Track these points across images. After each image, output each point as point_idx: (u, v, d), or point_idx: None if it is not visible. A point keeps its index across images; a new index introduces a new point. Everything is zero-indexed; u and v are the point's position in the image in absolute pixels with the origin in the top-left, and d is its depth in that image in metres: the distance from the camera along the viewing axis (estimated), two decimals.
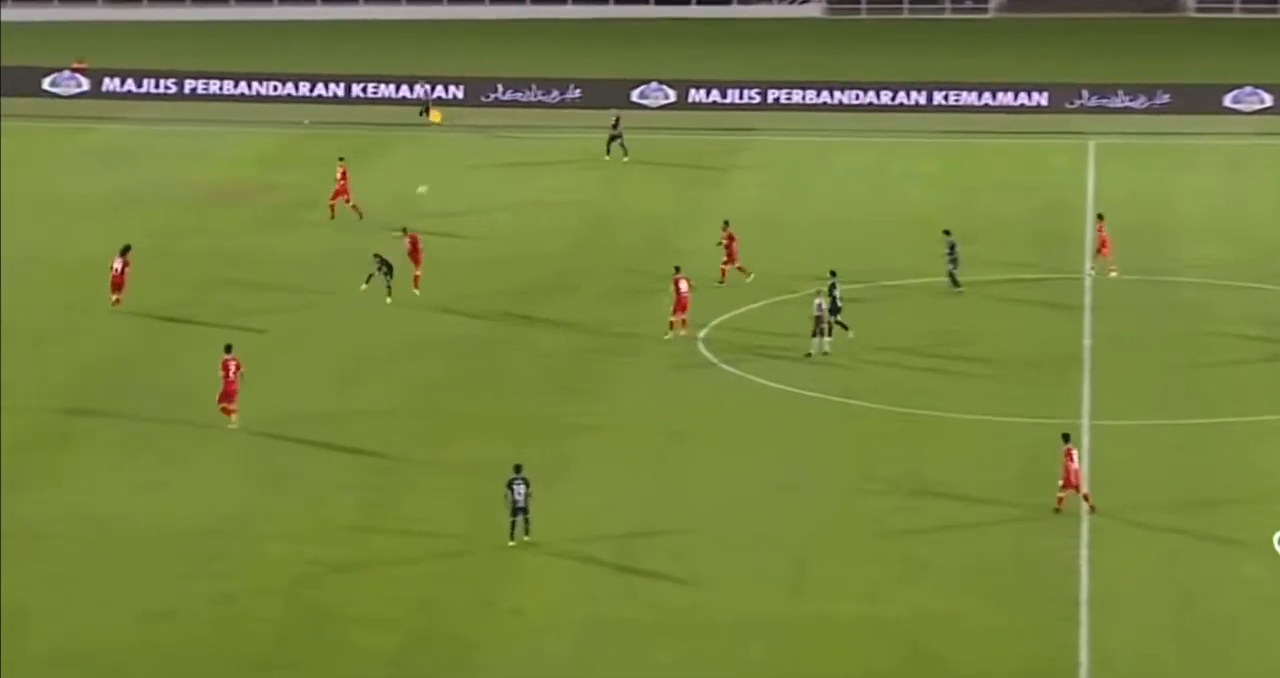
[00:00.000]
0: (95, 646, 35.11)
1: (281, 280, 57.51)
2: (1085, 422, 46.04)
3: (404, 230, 55.53)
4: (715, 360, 50.36)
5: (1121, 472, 43.04)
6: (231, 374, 45.18)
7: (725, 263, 55.69)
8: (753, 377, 49.16)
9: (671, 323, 50.82)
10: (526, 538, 38.57)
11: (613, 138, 70.80)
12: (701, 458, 43.88)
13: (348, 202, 62.32)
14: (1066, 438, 40.74)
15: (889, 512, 41.10)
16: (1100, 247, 56.73)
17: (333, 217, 62.22)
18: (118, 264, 53.43)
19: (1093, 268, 56.99)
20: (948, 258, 55.02)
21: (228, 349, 45.74)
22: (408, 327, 52.92)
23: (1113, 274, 56.26)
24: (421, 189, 49.96)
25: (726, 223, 57.07)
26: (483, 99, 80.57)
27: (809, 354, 49.29)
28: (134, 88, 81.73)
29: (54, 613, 36.33)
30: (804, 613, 36.56)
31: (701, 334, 52.02)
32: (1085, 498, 40.50)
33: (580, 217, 64.74)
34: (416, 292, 54.23)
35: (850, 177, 70.35)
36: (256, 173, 69.50)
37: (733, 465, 43.37)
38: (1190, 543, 39.68)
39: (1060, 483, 40.49)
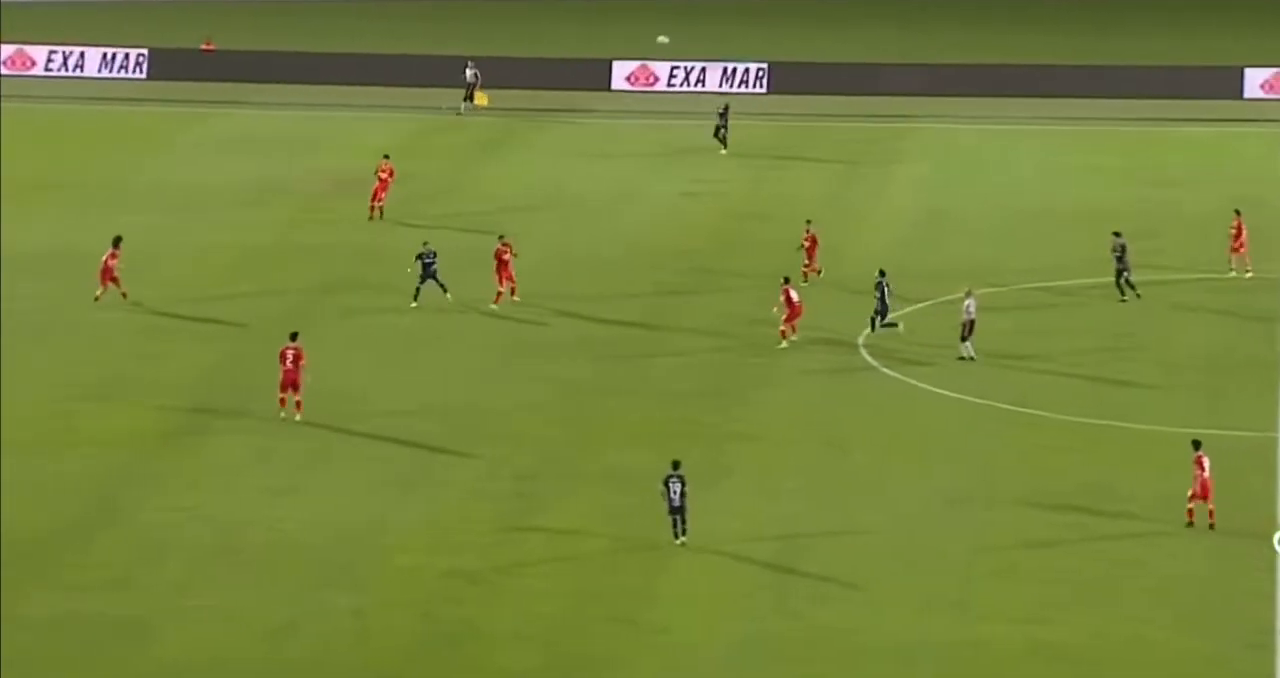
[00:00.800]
0: (218, 660, 35.51)
1: (411, 277, 57.98)
2: None
3: (500, 238, 54.44)
4: (875, 364, 50.10)
5: None
6: (289, 363, 45.49)
7: (806, 266, 55.11)
8: (915, 382, 48.85)
9: (783, 331, 50.57)
10: (683, 540, 38.84)
11: (719, 128, 70.16)
12: (861, 468, 43.66)
13: (380, 200, 61.76)
14: (1197, 445, 40.27)
15: (1063, 528, 40.64)
16: (1236, 244, 55.53)
17: (376, 216, 61.64)
18: (108, 256, 53.42)
19: (1233, 268, 55.62)
20: (1116, 262, 53.72)
21: (293, 337, 46.09)
22: (545, 326, 53.14)
23: (1248, 275, 54.91)
24: (662, 39, 49.94)
25: (809, 222, 56.34)
26: (628, 84, 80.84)
27: (960, 357, 48.75)
28: (257, 71, 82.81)
29: (176, 625, 36.76)
30: (971, 637, 36.21)
31: (861, 338, 51.81)
32: (1210, 512, 39.95)
33: (727, 209, 64.69)
34: (515, 299, 53.88)
35: (1021, 168, 69.74)
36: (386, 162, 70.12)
37: (895, 476, 43.12)
38: None
39: (1190, 493, 39.92)
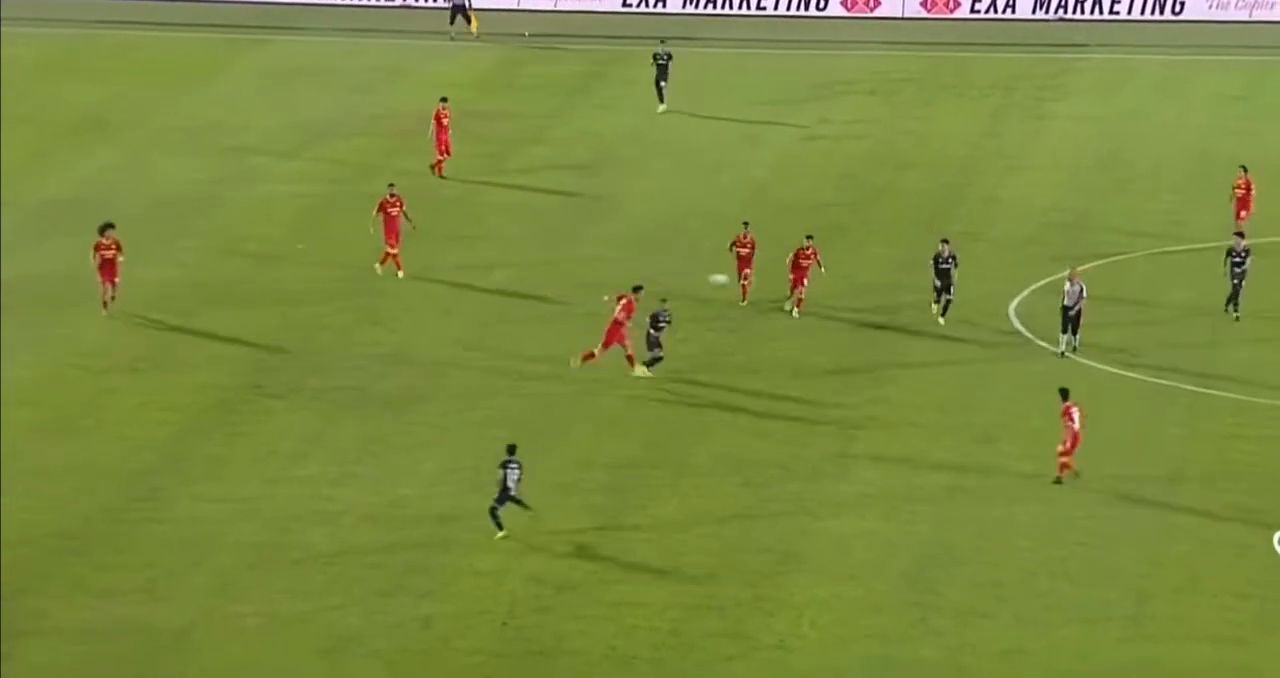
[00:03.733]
0: (268, 673, 35.70)
1: (495, 229, 58.08)
2: None
3: (390, 186, 53.56)
4: (1031, 336, 49.74)
5: None
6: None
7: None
8: (1079, 358, 48.45)
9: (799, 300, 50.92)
10: (502, 534, 39.62)
11: (659, 80, 66.88)
12: (1014, 461, 43.33)
13: (445, 154, 60.80)
14: (1065, 395, 41.41)
15: (1255, 532, 40.21)
16: (1240, 206, 53.91)
17: (442, 175, 61.26)
18: (105, 250, 50.05)
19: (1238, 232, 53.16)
20: (1232, 267, 50.18)
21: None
22: (650, 288, 52.92)
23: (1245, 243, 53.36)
24: (719, 278, 49.84)
25: (746, 224, 53.23)
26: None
27: (1060, 353, 48.19)
28: None
29: (220, 636, 37.00)
30: (1149, 658, 35.99)
31: (1013, 305, 51.41)
32: (1063, 465, 41.12)
33: (863, 155, 64.36)
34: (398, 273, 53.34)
35: (1210, 105, 68.97)
36: (469, 98, 70.12)
37: (1054, 471, 42.74)
38: None
39: (1059, 448, 41.16)
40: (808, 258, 50.76)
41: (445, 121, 61.49)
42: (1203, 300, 51.91)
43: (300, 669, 36.06)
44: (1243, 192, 54.29)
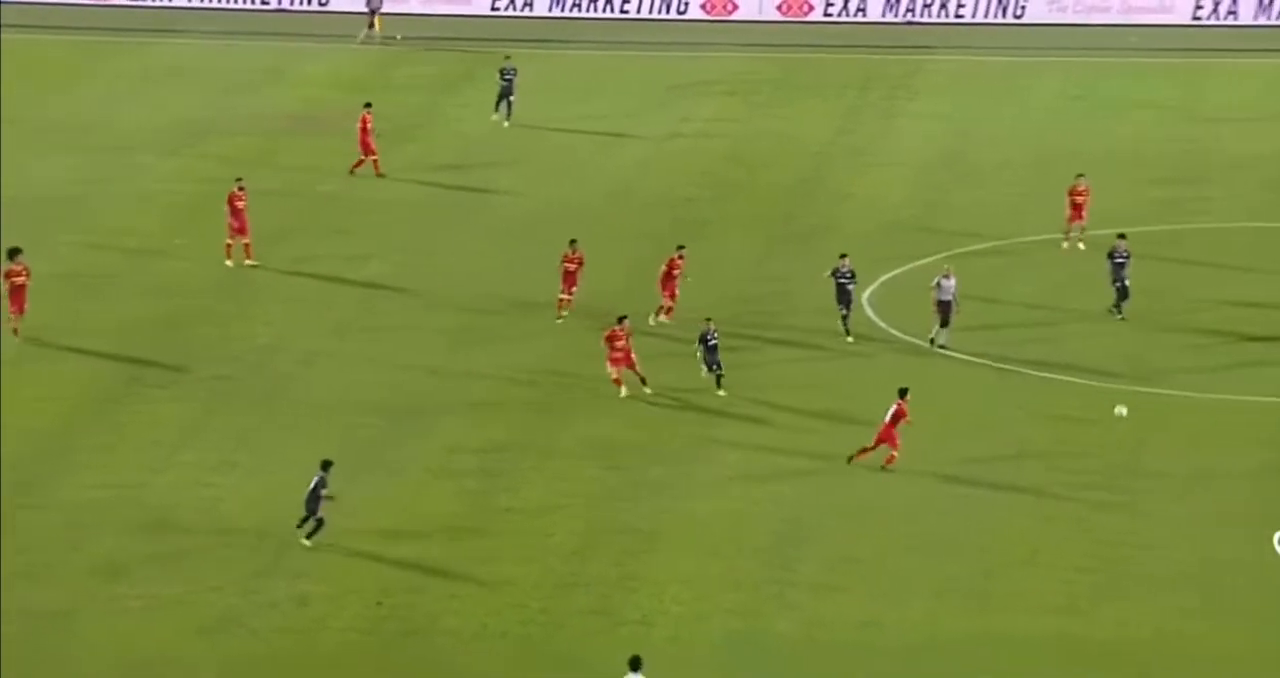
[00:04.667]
0: (148, 656, 35.53)
1: (367, 225, 57.95)
2: None
3: (237, 180, 53.33)
4: (882, 323, 50.11)
5: None
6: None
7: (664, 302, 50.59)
8: (925, 343, 48.85)
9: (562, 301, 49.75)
10: (306, 543, 38.73)
11: (504, 94, 65.61)
12: (864, 443, 43.63)
13: (373, 153, 60.36)
14: (903, 393, 41.85)
15: (1095, 509, 40.71)
16: (1076, 211, 53.92)
17: (373, 171, 60.92)
18: (15, 277, 48.32)
19: (1067, 239, 54.11)
20: (1114, 268, 49.87)
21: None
22: (520, 286, 53.05)
23: (1081, 247, 53.85)
24: (1120, 410, 45.43)
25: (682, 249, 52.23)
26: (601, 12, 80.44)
27: (939, 345, 48.34)
28: None
29: (101, 618, 36.80)
30: (992, 630, 36.28)
31: (865, 296, 51.80)
32: (861, 450, 41.80)
33: (722, 153, 64.60)
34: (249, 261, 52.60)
35: (1051, 104, 69.62)
36: (342, 99, 69.91)
37: (905, 452, 43.12)
38: None
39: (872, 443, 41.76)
40: (677, 268, 49.64)
41: (369, 125, 61.01)
42: (1042, 291, 52.51)
43: (180, 649, 35.90)
44: (1081, 198, 54.37)
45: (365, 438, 43.97)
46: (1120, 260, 50.40)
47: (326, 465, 39.14)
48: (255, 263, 53.50)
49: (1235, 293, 52.27)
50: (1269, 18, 78.70)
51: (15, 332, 48.40)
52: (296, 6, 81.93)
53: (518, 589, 37.69)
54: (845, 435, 43.74)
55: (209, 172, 60.97)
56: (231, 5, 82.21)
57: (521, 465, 42.78)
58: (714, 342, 45.70)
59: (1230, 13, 78.87)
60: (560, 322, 49.15)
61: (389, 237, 56.99)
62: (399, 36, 78.04)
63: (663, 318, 49.44)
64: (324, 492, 38.91)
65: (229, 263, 53.72)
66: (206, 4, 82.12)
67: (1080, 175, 55.01)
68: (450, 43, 77.42)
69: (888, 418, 41.87)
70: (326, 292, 52.92)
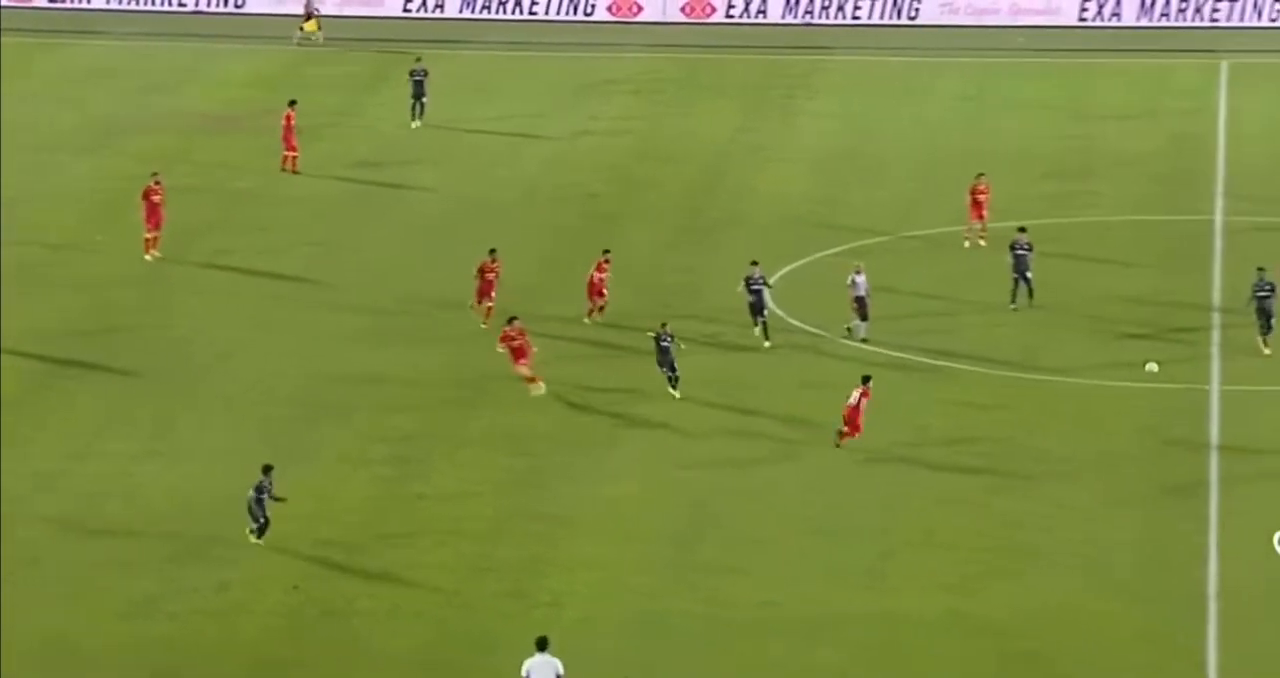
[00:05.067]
0: (70, 639, 35.35)
1: (282, 220, 57.74)
2: (1215, 386, 45.89)
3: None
4: (782, 314, 50.30)
5: (1255, 442, 42.84)
6: None
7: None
8: (829, 335, 49.05)
9: (477, 307, 48.80)
10: (258, 542, 38.16)
11: (418, 96, 64.82)
12: (771, 430, 43.85)
13: (293, 150, 60.11)
14: (866, 380, 42.29)
15: (985, 491, 41.04)
16: (976, 208, 53.95)
17: (289, 167, 60.54)
18: None
19: (968, 236, 54.24)
20: (1015, 259, 50.16)
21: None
22: (427, 280, 53.00)
23: (981, 243, 53.93)
24: (1151, 367, 44.16)
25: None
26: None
27: (849, 335, 48.39)
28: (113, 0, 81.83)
29: (21, 603, 36.55)
30: (886, 609, 36.54)
31: (772, 280, 51.90)
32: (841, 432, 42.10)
33: (629, 150, 64.64)
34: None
35: (944, 103, 69.98)
36: (258, 98, 69.59)
37: (805, 438, 43.34)
38: None
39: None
40: (604, 271, 49.11)
41: (293, 123, 60.64)
42: (937, 281, 52.81)
43: (101, 633, 35.74)
44: (982, 196, 54.53)
45: (281, 428, 43.85)
46: (1021, 253, 50.71)
47: (268, 470, 38.47)
48: (161, 255, 53.13)
49: (1120, 283, 52.74)
50: (1150, 19, 79.36)
51: None
52: (212, 8, 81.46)
53: (431, 573, 37.71)
54: (747, 423, 43.90)
55: (128, 169, 60.54)
56: (149, 7, 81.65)
57: (433, 454, 42.75)
58: (666, 343, 44.93)
59: (1114, 14, 79.48)
60: (485, 328, 48.17)
61: (305, 232, 56.82)
62: (314, 37, 77.64)
63: (596, 317, 49.00)
64: (268, 494, 38.23)
65: (148, 257, 53.42)
66: (125, 6, 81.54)
67: (981, 174, 55.22)
68: (363, 43, 77.13)
69: (854, 401, 42.01)
70: (243, 285, 52.72)
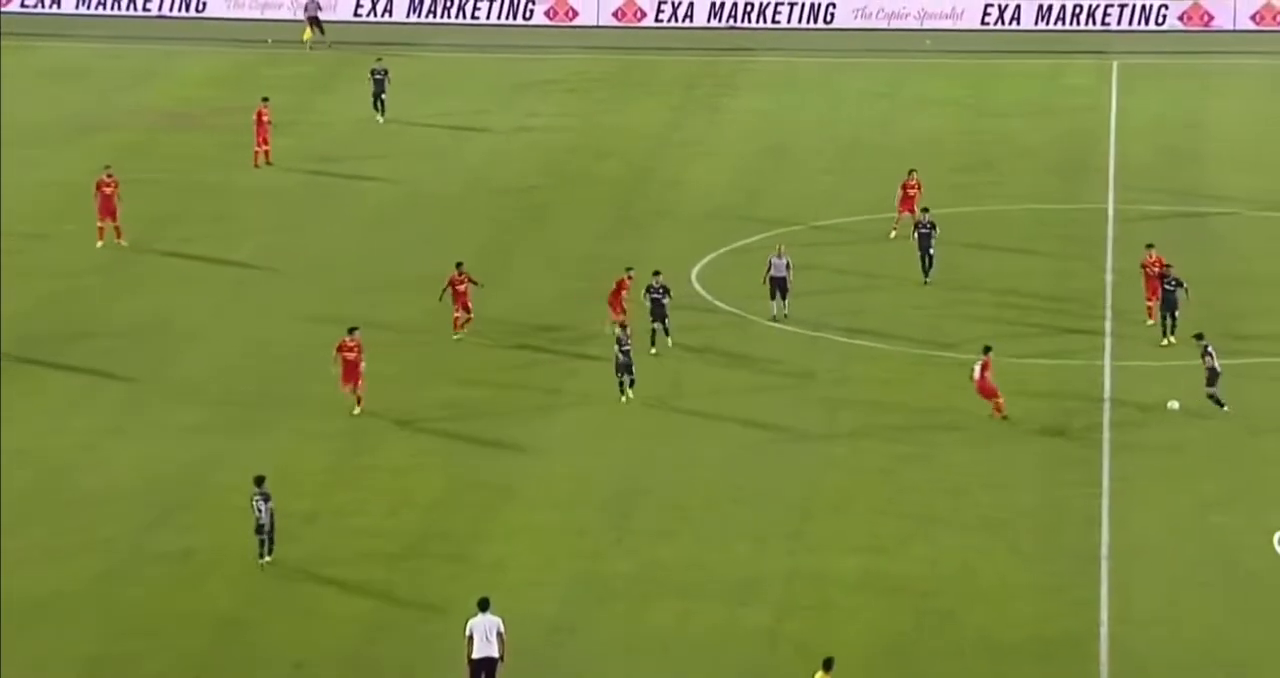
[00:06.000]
0: (44, 601, 35.07)
1: (241, 211, 57.40)
2: (1107, 362, 46.12)
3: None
4: (710, 298, 50.28)
5: (1145, 416, 43.09)
6: None
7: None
8: (752, 316, 49.08)
9: (456, 319, 46.57)
10: (268, 559, 36.15)
11: (378, 94, 64.86)
12: (698, 404, 43.83)
13: (265, 145, 59.76)
14: (987, 349, 42.55)
15: (900, 461, 41.16)
16: (907, 202, 53.46)
17: (263, 163, 60.13)
18: None
19: (895, 228, 53.62)
20: (920, 239, 50.04)
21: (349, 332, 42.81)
22: (378, 266, 52.81)
23: (892, 235, 53.56)
24: (1173, 405, 41.25)
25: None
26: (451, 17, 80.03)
27: (773, 317, 48.23)
28: (82, 3, 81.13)
29: (5, 569, 36.24)
30: (807, 569, 36.65)
31: (695, 270, 51.93)
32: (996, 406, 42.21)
33: (565, 145, 64.50)
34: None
35: (858, 100, 70.10)
36: (218, 96, 69.13)
37: (732, 412, 43.35)
38: (1219, 493, 39.79)
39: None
40: (625, 288, 46.36)
41: (265, 118, 60.13)
42: (852, 265, 52.90)
43: (75, 596, 35.50)
44: (914, 191, 54.12)
45: (240, 403, 43.61)
46: (924, 231, 50.85)
47: (260, 481, 36.35)
48: (125, 244, 52.77)
49: (1020, 266, 52.95)
50: (1047, 24, 79.64)
51: None
52: (175, 13, 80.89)
53: (382, 540, 37.59)
54: (673, 397, 43.90)
55: (95, 163, 59.98)
56: (116, 12, 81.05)
57: (382, 428, 42.57)
58: (627, 347, 43.07)
59: (1014, 19, 79.74)
60: (457, 338, 46.76)
61: (261, 222, 56.50)
62: (269, 40, 77.23)
63: (620, 332, 44.92)
64: (267, 505, 35.98)
65: (99, 244, 52.99)
66: (93, 10, 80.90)
67: (912, 170, 54.88)
68: (317, 45, 76.68)
69: (977, 374, 42.00)
70: (204, 272, 52.40)
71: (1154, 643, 34.32)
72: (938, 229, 50.92)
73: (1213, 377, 42.50)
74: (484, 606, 32.40)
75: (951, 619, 34.98)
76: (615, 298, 46.79)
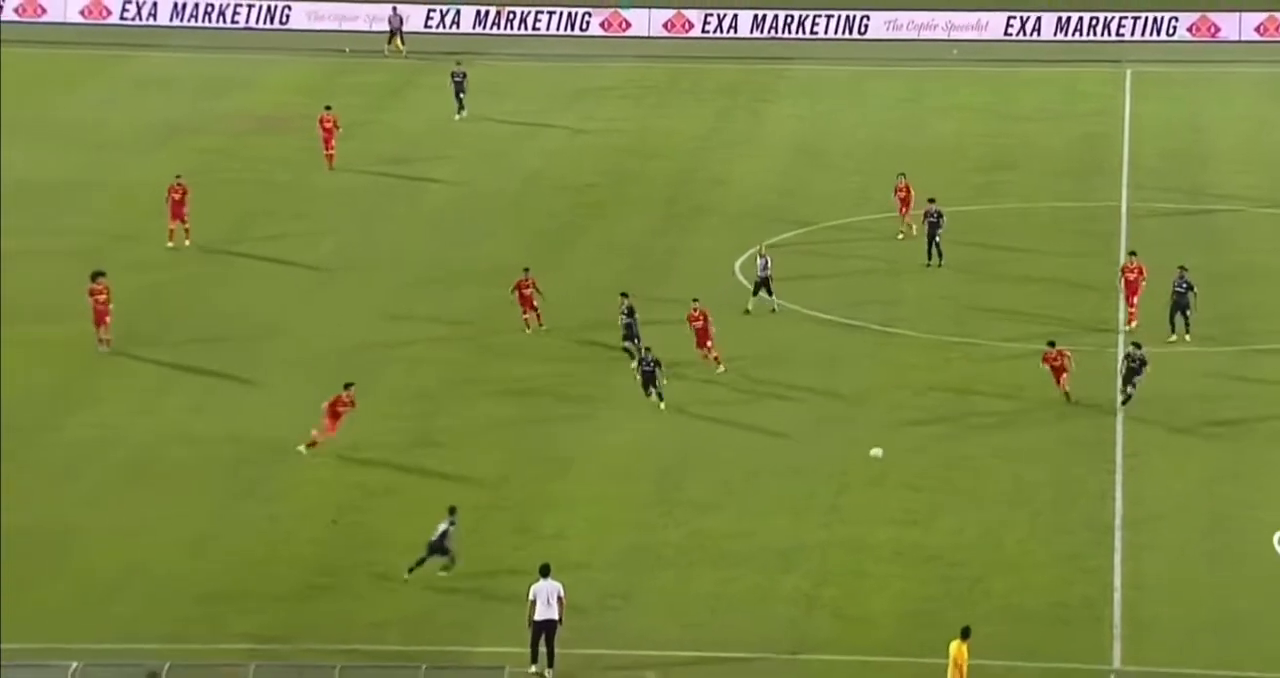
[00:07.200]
0: (138, 566, 35.13)
1: (320, 210, 57.38)
2: (1120, 349, 45.74)
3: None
4: (749, 287, 50.02)
5: (1155, 397, 42.73)
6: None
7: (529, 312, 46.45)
8: (792, 305, 48.84)
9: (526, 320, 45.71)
10: (444, 574, 34.37)
11: (458, 93, 65.25)
12: (742, 385, 43.62)
13: (330, 149, 59.33)
14: (1052, 344, 42.01)
15: (930, 439, 40.90)
16: (902, 206, 53.06)
17: (333, 166, 59.92)
18: (98, 295, 44.94)
19: (902, 230, 52.98)
20: (929, 228, 50.18)
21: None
22: (448, 258, 52.74)
23: (914, 231, 52.68)
24: (876, 452, 38.44)
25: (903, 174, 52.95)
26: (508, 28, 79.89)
27: (747, 311, 47.37)
28: (175, 16, 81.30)
29: (98, 535, 36.35)
30: (844, 539, 36.44)
31: (737, 263, 51.72)
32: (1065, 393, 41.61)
33: (618, 147, 64.27)
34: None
35: (887, 105, 69.71)
36: (298, 102, 69.12)
37: (773, 392, 43.13)
38: (1225, 468, 39.48)
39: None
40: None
41: (328, 125, 60.02)
42: (883, 258, 52.62)
43: (168, 561, 35.54)
44: (904, 193, 53.68)
45: (320, 385, 43.55)
46: (932, 221, 50.58)
47: (452, 511, 34.73)
48: (190, 244, 52.25)
49: (1038, 260, 52.57)
50: (1066, 34, 79.12)
51: (101, 342, 44.93)
52: (260, 25, 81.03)
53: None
54: (718, 380, 43.70)
55: (185, 165, 60.09)
56: (206, 24, 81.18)
57: (451, 406, 42.50)
58: (649, 368, 41.02)
59: (1035, 30, 79.23)
60: (528, 333, 45.97)
61: (339, 220, 56.43)
62: (347, 50, 77.24)
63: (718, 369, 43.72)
64: (452, 534, 34.25)
65: (169, 245, 52.71)
66: (185, 23, 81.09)
67: (901, 174, 54.34)
68: (393, 54, 76.63)
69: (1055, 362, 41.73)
70: (284, 265, 52.34)
71: (1164, 608, 34.05)
72: (944, 219, 50.70)
73: (1130, 376, 41.56)
74: (545, 571, 32.30)
75: (977, 586, 34.75)
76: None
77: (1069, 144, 64.33)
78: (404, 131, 66.08)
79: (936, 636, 32.72)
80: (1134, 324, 46.38)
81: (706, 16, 79.71)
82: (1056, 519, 37.38)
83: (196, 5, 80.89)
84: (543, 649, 31.67)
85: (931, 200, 51.48)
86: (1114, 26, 78.70)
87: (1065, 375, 41.86)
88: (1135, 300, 46.43)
